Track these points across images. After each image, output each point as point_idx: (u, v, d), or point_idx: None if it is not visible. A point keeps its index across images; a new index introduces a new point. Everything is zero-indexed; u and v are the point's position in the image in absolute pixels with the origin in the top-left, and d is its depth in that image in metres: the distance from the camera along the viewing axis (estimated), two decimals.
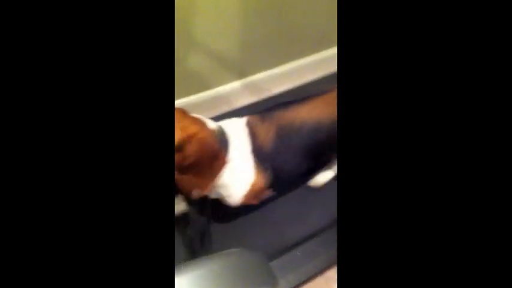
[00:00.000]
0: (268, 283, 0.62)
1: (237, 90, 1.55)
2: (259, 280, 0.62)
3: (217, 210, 1.11)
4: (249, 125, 0.98)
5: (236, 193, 1.00)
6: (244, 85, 1.56)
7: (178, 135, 0.83)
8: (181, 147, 0.84)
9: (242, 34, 1.38)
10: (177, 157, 0.85)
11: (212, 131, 0.92)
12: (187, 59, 1.33)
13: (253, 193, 1.01)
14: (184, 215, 1.05)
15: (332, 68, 1.66)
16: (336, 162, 1.20)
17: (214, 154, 0.89)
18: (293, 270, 1.09)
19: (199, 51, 1.34)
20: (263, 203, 1.20)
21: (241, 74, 1.53)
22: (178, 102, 1.45)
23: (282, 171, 1.02)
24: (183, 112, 0.90)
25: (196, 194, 0.96)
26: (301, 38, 1.54)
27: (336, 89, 0.98)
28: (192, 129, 0.85)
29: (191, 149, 0.84)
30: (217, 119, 1.01)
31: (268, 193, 1.09)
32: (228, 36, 1.36)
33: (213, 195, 1.03)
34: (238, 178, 0.98)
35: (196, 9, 1.21)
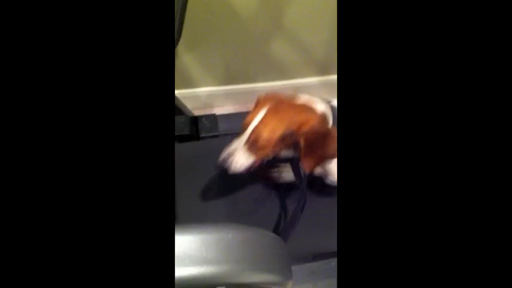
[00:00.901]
0: (282, 273, 0.60)
1: (315, 86, 1.54)
2: (272, 265, 0.61)
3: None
4: None
5: None
6: (324, 82, 1.54)
7: (279, 131, 0.88)
8: (286, 137, 0.89)
9: (331, 33, 1.36)
10: (283, 145, 0.91)
11: (320, 114, 0.94)
12: (271, 43, 1.36)
13: None
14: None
15: None
16: None
17: (326, 134, 0.93)
18: (324, 278, 1.06)
19: (287, 39, 1.36)
20: None
21: (322, 71, 1.51)
22: (255, 86, 1.50)
23: None
24: (290, 103, 0.94)
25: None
26: None
27: None
28: (301, 117, 0.89)
29: (304, 138, 0.90)
30: None
31: None
32: (317, 32, 1.35)
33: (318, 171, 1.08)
34: None
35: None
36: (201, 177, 1.13)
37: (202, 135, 1.25)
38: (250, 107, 1.52)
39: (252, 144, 0.92)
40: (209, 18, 1.21)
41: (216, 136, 1.25)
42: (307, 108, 0.94)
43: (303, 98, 0.97)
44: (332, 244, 1.03)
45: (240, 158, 0.92)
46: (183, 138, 1.24)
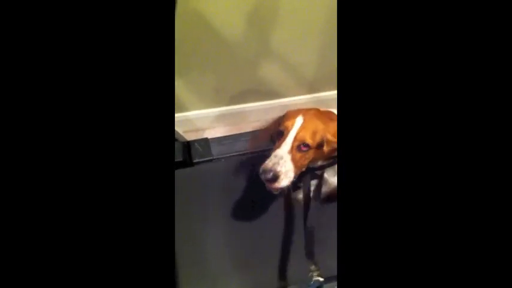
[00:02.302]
0: None
1: (305, 104, 1.55)
2: None
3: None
4: None
5: None
6: (313, 100, 1.55)
7: (319, 135, 0.92)
8: (322, 144, 0.94)
9: (319, 52, 1.37)
10: (319, 152, 0.95)
11: None
12: (260, 66, 1.37)
13: None
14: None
15: None
16: None
17: None
18: None
19: (275, 60, 1.37)
20: None
21: (312, 90, 1.52)
22: (245, 106, 1.50)
23: None
24: (318, 110, 1.00)
25: None
26: None
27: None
28: (331, 126, 0.94)
29: (333, 145, 0.94)
30: None
31: None
32: (305, 52, 1.37)
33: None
34: None
35: (280, 20, 1.24)
36: (197, 204, 1.13)
37: (195, 160, 1.25)
38: (241, 127, 1.53)
39: (297, 150, 0.92)
40: (197, 44, 1.22)
41: (210, 161, 1.25)
42: (332, 114, 0.99)
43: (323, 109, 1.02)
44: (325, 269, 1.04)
45: (288, 167, 0.90)
46: (176, 165, 1.24)
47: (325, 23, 1.28)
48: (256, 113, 1.54)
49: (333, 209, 1.11)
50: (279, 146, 0.93)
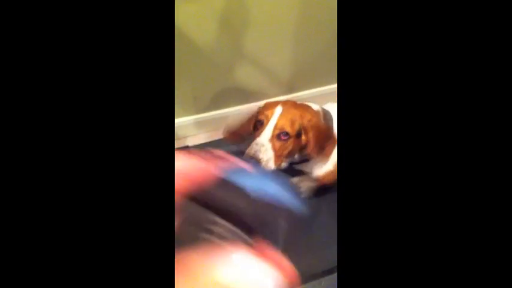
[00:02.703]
0: None
1: None
2: None
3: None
4: None
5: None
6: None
7: (297, 123, 0.94)
8: (300, 133, 0.96)
9: (293, 51, 1.38)
10: (297, 142, 0.96)
11: (318, 111, 1.02)
12: (236, 70, 1.37)
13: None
14: None
15: None
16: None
17: (328, 134, 0.99)
18: None
19: (250, 64, 1.37)
20: None
21: (289, 90, 1.53)
22: (225, 111, 1.50)
23: None
24: (295, 102, 1.02)
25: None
26: None
27: None
28: (307, 116, 0.96)
29: (310, 134, 0.96)
30: None
31: None
32: (279, 52, 1.37)
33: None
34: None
35: (251, 22, 1.24)
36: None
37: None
38: (222, 132, 1.53)
39: (277, 138, 0.94)
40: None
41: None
42: (308, 107, 1.02)
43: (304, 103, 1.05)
44: (322, 263, 1.04)
45: (269, 154, 0.93)
46: None
47: (297, 21, 1.29)
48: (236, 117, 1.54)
49: (323, 202, 1.13)
50: (259, 135, 0.94)
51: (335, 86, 1.56)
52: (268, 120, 0.95)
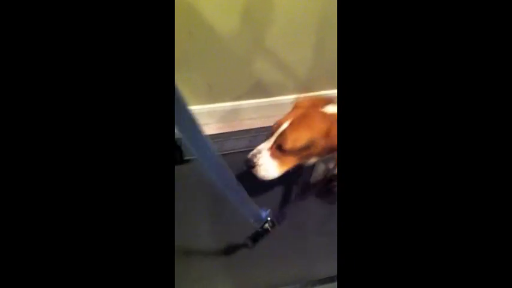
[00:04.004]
0: None
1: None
2: None
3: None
4: None
5: None
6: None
7: (302, 140, 0.93)
8: (308, 147, 0.94)
9: (313, 51, 1.36)
10: (303, 154, 0.96)
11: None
12: (254, 63, 1.35)
13: None
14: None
15: None
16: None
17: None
18: None
19: (268, 58, 1.35)
20: None
21: (305, 89, 1.50)
22: (239, 104, 1.49)
23: None
24: (312, 114, 0.97)
25: None
26: None
27: None
28: (323, 127, 0.94)
29: (323, 145, 0.95)
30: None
31: None
32: (299, 51, 1.35)
33: None
34: None
35: (273, 17, 1.22)
36: (188, 202, 1.11)
37: (186, 158, 1.23)
38: (234, 124, 1.51)
39: (276, 150, 0.96)
40: (188, 38, 1.20)
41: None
42: (334, 118, 0.97)
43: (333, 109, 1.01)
44: (320, 271, 1.03)
45: (265, 160, 0.96)
46: None
47: (319, 21, 1.26)
48: (249, 111, 1.52)
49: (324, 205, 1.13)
50: (265, 141, 0.98)
51: None
52: (274, 131, 0.97)
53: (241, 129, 1.43)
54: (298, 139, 0.93)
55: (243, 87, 1.45)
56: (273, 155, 0.96)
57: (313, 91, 1.52)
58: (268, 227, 0.94)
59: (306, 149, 0.94)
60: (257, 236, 0.95)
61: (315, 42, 1.33)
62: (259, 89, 1.46)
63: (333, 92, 1.53)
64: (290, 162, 0.97)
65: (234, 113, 1.52)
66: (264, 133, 1.36)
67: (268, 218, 0.94)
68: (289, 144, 0.93)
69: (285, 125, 0.95)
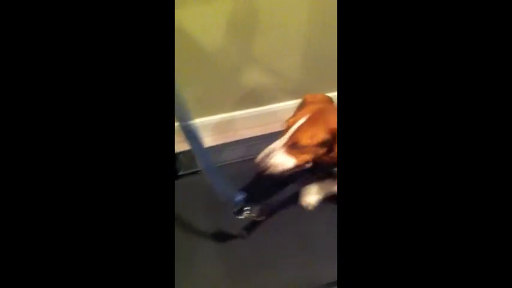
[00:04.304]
0: None
1: (291, 110, 1.52)
2: None
3: None
4: None
5: None
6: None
7: (320, 135, 0.90)
8: (328, 142, 0.92)
9: (302, 56, 1.36)
10: (324, 150, 0.93)
11: None
12: (243, 73, 1.34)
13: None
14: None
15: None
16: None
17: None
18: None
19: (258, 67, 1.35)
20: None
21: (298, 94, 1.50)
22: (232, 115, 1.47)
23: None
24: (329, 108, 0.96)
25: None
26: None
27: None
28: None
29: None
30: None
31: None
32: (288, 58, 1.35)
33: None
34: None
35: (259, 25, 1.22)
36: (183, 218, 1.09)
37: (180, 173, 1.21)
38: (228, 136, 1.50)
39: (291, 147, 0.93)
40: (178, 54, 1.19)
41: (195, 173, 1.21)
42: None
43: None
44: (324, 276, 1.01)
45: (279, 158, 0.93)
46: None
47: (307, 27, 1.27)
48: (242, 121, 1.51)
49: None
50: (276, 140, 0.95)
51: None
52: (288, 129, 0.94)
53: (237, 139, 1.41)
54: (315, 135, 0.90)
55: (235, 98, 1.44)
56: (287, 153, 0.93)
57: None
58: (253, 216, 0.96)
59: (323, 145, 0.92)
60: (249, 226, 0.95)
61: (304, 49, 1.33)
62: (251, 99, 1.46)
63: None
64: (306, 158, 0.95)
65: (228, 124, 1.51)
66: (259, 142, 1.35)
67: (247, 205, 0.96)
68: (306, 140, 0.90)
69: (301, 121, 0.92)
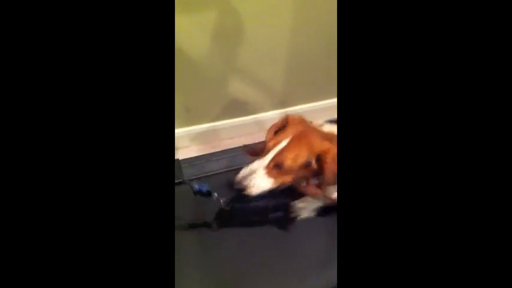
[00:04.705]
0: None
1: (275, 120, 1.54)
2: None
3: None
4: None
5: None
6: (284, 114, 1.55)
7: (302, 157, 0.91)
8: (310, 164, 0.92)
9: (287, 66, 1.38)
10: (304, 171, 0.94)
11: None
12: (229, 83, 1.36)
13: None
14: None
15: None
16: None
17: None
18: None
19: (243, 77, 1.36)
20: None
21: (282, 104, 1.52)
22: (217, 124, 1.49)
23: None
24: (310, 131, 0.96)
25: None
26: None
27: None
28: (324, 145, 0.92)
29: (324, 166, 0.92)
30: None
31: None
32: (272, 67, 1.37)
33: None
34: None
35: (244, 35, 1.23)
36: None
37: (176, 181, 1.21)
38: (215, 145, 1.51)
39: (273, 169, 0.93)
40: None
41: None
42: (332, 137, 0.96)
43: (328, 127, 1.00)
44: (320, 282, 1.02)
45: (259, 180, 0.92)
46: None
47: (291, 35, 1.29)
48: (228, 130, 1.52)
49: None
50: (256, 160, 0.95)
51: (329, 101, 1.55)
52: (269, 150, 0.94)
53: (221, 149, 1.42)
54: (299, 156, 0.91)
55: (220, 108, 1.45)
56: (269, 174, 0.94)
57: (289, 106, 1.54)
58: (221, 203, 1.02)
59: (305, 167, 0.93)
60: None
61: (288, 59, 1.35)
62: (237, 108, 1.47)
63: (309, 106, 1.55)
64: (286, 179, 0.95)
65: (213, 133, 1.52)
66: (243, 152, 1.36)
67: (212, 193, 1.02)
68: (289, 161, 0.91)
69: (283, 143, 0.93)
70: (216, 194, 1.03)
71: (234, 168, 1.28)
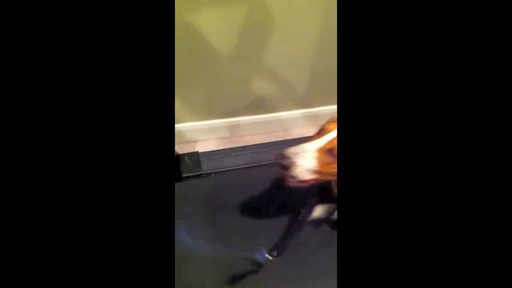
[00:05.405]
0: None
1: (297, 119, 1.55)
2: None
3: None
4: None
5: None
6: (305, 115, 1.55)
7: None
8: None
9: (312, 67, 1.37)
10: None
11: None
12: (253, 79, 1.36)
13: None
14: None
15: None
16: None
17: None
18: None
19: (267, 74, 1.37)
20: None
21: (304, 105, 1.52)
22: (237, 119, 1.50)
23: None
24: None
25: None
26: None
27: None
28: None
29: None
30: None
31: None
32: (297, 68, 1.37)
33: None
34: None
35: (272, 34, 1.23)
36: (184, 220, 1.11)
37: (184, 175, 1.23)
38: (233, 140, 1.52)
39: (326, 153, 0.84)
40: (188, 57, 1.21)
41: (199, 176, 1.23)
42: None
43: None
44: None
45: (305, 161, 0.82)
46: None
47: (317, 39, 1.28)
48: (248, 127, 1.53)
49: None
50: (310, 141, 0.85)
51: None
52: (326, 133, 0.85)
53: (241, 145, 1.43)
54: None
55: (242, 104, 1.46)
56: (320, 158, 0.83)
57: (311, 107, 1.54)
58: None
59: None
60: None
61: (312, 60, 1.35)
62: (258, 106, 1.48)
63: (331, 108, 1.55)
64: (330, 170, 0.85)
65: (234, 129, 1.53)
66: (263, 149, 1.37)
67: (266, 255, 0.99)
68: None
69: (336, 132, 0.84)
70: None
71: (254, 165, 1.28)
